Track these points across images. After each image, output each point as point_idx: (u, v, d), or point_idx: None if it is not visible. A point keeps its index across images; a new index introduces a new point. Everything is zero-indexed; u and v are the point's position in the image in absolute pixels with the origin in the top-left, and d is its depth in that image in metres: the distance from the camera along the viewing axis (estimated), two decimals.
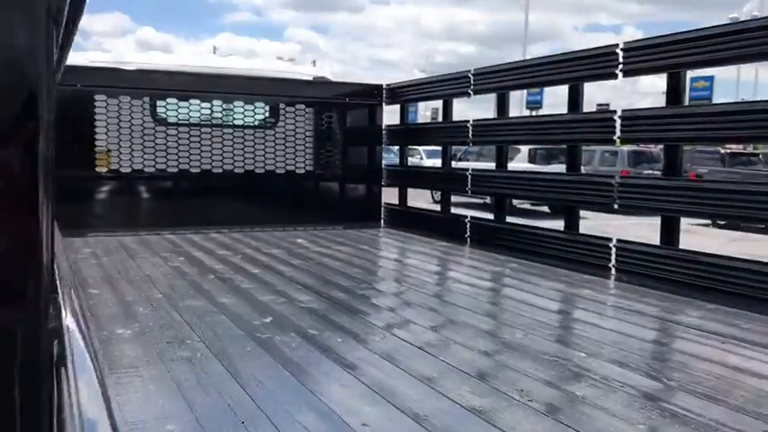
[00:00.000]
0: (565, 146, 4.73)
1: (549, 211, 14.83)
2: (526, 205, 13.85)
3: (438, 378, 2.09)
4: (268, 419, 1.71)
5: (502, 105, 5.24)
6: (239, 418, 1.71)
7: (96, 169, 5.60)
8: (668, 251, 3.75)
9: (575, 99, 4.43)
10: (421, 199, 9.62)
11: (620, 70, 4.02)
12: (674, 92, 3.78)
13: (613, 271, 4.04)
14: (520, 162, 15.45)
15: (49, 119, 0.56)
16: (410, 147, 7.27)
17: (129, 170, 5.69)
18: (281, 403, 1.84)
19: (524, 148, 16.55)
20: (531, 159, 16.83)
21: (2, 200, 0.52)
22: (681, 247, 3.79)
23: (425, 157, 18.96)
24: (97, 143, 5.58)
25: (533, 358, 2.34)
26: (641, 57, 3.91)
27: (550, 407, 1.89)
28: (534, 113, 27.02)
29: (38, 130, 0.53)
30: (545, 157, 16.52)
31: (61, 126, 5.41)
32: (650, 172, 15.72)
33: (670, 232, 3.78)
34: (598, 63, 4.19)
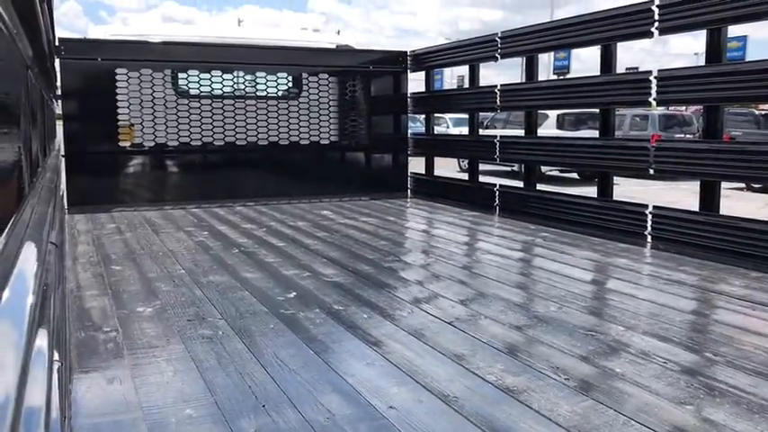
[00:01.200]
0: (597, 110, 4.56)
1: (578, 177, 14.58)
2: (554, 172, 13.62)
3: (468, 355, 1.99)
4: (290, 402, 1.63)
5: (530, 69, 5.06)
6: (260, 401, 1.63)
7: (119, 144, 5.57)
8: (708, 217, 3.59)
9: (607, 60, 4.25)
10: (446, 167, 9.47)
11: (656, 28, 3.82)
12: (714, 50, 3.58)
13: (649, 239, 3.89)
14: (548, 129, 15.16)
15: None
16: (436, 115, 7.10)
17: (152, 144, 5.66)
18: (303, 384, 1.75)
19: (552, 115, 16.23)
20: (560, 126, 16.50)
21: None
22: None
23: (452, 125, 18.74)
24: (119, 117, 5.54)
25: (568, 332, 2.23)
26: (679, 13, 3.71)
27: (588, 385, 1.78)
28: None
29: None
30: (574, 123, 16.17)
31: (83, 101, 5.42)
32: (681, 136, 15.35)
33: (710, 198, 3.61)
34: (632, 21, 4.00)
